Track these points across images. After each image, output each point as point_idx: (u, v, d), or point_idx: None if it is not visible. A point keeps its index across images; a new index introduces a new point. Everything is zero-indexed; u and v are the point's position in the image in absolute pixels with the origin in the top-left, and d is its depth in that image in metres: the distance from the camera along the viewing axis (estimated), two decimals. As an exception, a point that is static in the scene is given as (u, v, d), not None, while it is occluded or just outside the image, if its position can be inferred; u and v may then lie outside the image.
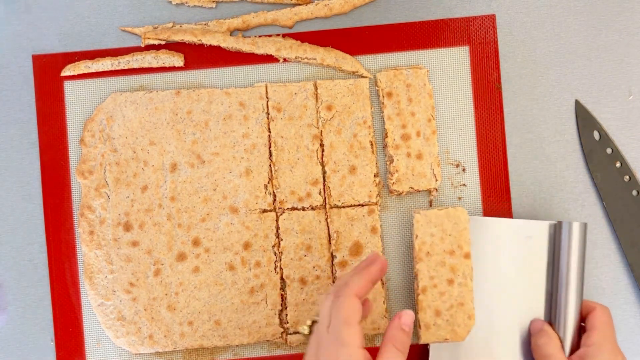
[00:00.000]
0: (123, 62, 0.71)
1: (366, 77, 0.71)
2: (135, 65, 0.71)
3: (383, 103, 0.70)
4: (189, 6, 0.72)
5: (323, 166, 0.70)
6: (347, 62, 0.71)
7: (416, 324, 0.62)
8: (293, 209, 0.70)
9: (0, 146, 0.72)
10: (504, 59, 0.72)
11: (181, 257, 0.70)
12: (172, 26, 0.72)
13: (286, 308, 0.70)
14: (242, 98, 0.71)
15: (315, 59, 0.71)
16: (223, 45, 0.71)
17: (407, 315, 0.56)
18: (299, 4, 0.72)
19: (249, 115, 0.70)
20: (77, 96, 0.72)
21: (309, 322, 0.58)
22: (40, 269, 0.71)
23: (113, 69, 0.71)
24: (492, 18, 0.72)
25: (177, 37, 0.71)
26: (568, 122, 0.72)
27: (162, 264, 0.70)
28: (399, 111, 0.70)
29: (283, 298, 0.70)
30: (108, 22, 0.72)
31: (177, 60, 0.71)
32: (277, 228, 0.70)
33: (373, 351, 0.70)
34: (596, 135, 0.72)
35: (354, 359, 0.52)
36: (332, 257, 0.70)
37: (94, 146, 0.70)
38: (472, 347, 0.66)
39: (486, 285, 0.67)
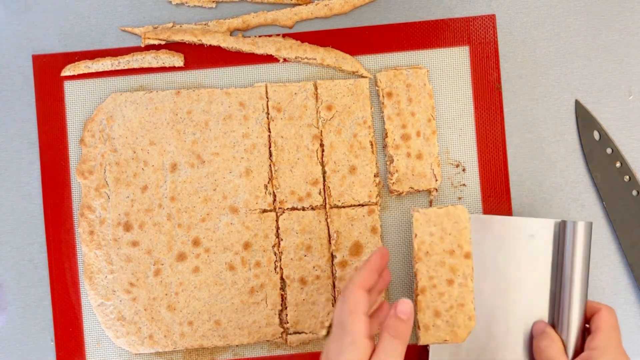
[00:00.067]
0: (123, 62, 0.71)
1: (366, 77, 0.71)
2: (135, 65, 0.71)
3: (383, 103, 0.70)
4: (189, 6, 0.72)
5: (323, 166, 0.70)
6: (347, 62, 0.71)
7: (415, 325, 0.62)
8: (293, 209, 0.70)
9: (0, 146, 0.72)
10: (504, 59, 0.72)
11: (181, 257, 0.70)
12: (172, 26, 0.72)
13: (286, 308, 0.70)
14: (242, 98, 0.71)
15: (315, 59, 0.71)
16: (223, 45, 0.71)
17: (403, 304, 0.55)
18: (299, 4, 0.72)
19: (249, 115, 0.70)
20: (77, 96, 0.72)
21: (327, 324, 0.61)
22: (40, 269, 0.71)
23: (113, 69, 0.71)
24: (492, 18, 0.72)
25: (177, 37, 0.71)
26: (568, 122, 0.72)
27: (162, 264, 0.70)
28: (399, 111, 0.70)
29: (283, 298, 0.70)
30: (108, 22, 0.72)
31: (177, 60, 0.71)
32: (277, 228, 0.70)
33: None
34: (596, 135, 0.72)
35: (357, 346, 0.52)
36: (332, 257, 0.70)
37: (94, 146, 0.70)
38: (473, 349, 0.66)
39: (487, 285, 0.66)
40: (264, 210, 0.70)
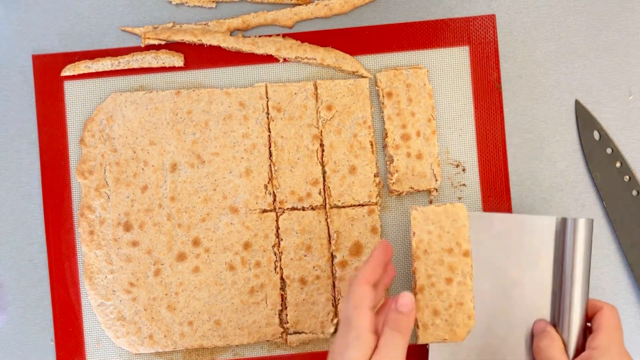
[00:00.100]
0: (123, 62, 0.71)
1: (366, 77, 0.71)
2: (135, 65, 0.71)
3: (383, 103, 0.70)
4: (189, 6, 0.72)
5: (323, 166, 0.70)
6: (347, 62, 0.71)
7: (414, 324, 0.62)
8: (293, 209, 0.70)
9: (0, 146, 0.72)
10: (504, 59, 0.72)
11: (181, 257, 0.70)
12: (172, 26, 0.72)
13: (286, 308, 0.70)
14: (242, 98, 0.71)
15: (315, 59, 0.71)
16: (223, 45, 0.71)
17: (404, 297, 0.55)
18: (299, 4, 0.72)
19: (249, 115, 0.70)
20: (77, 96, 0.72)
21: (335, 321, 0.61)
22: (40, 269, 0.71)
23: (113, 69, 0.71)
24: (492, 18, 0.72)
25: (177, 37, 0.71)
26: (568, 122, 0.72)
27: (162, 264, 0.70)
28: (399, 111, 0.70)
29: (283, 298, 0.70)
30: (108, 22, 0.72)
31: (177, 60, 0.71)
32: (277, 228, 0.70)
33: (373, 351, 0.70)
34: (596, 135, 0.72)
35: (362, 341, 0.52)
36: (332, 257, 0.70)
37: (94, 146, 0.70)
38: (473, 349, 0.66)
39: (488, 284, 0.66)
40: (264, 210, 0.70)
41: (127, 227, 0.70)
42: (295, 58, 0.71)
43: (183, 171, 0.70)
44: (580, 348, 0.63)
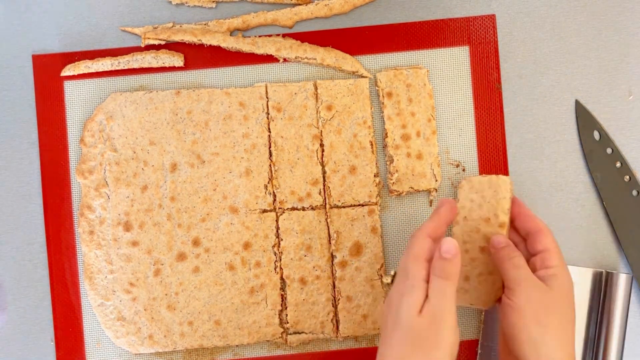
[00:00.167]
0: (123, 62, 0.71)
1: (366, 77, 0.71)
2: (135, 65, 0.71)
3: (383, 103, 0.70)
4: (189, 6, 0.72)
5: (323, 166, 0.70)
6: (347, 62, 0.71)
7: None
8: (293, 209, 0.70)
9: (0, 146, 0.72)
10: (504, 59, 0.72)
11: (181, 257, 0.70)
12: (172, 26, 0.72)
13: (286, 308, 0.70)
14: (242, 98, 0.71)
15: (315, 59, 0.71)
16: (223, 45, 0.71)
17: (447, 242, 0.55)
18: (299, 4, 0.72)
19: (249, 115, 0.70)
20: (77, 96, 0.72)
21: (392, 272, 0.61)
22: (40, 269, 0.71)
23: (113, 69, 0.71)
24: (492, 18, 0.72)
25: (177, 37, 0.71)
26: (568, 122, 0.72)
27: (162, 264, 0.70)
28: (399, 111, 0.70)
29: (283, 298, 0.70)
30: (108, 22, 0.72)
31: (177, 60, 0.71)
32: (277, 228, 0.70)
33: (372, 351, 0.71)
34: (596, 135, 0.72)
35: (416, 289, 0.54)
36: (332, 257, 0.70)
37: (93, 146, 0.70)
38: None
39: None
40: (264, 210, 0.70)
41: (127, 227, 0.70)
42: (295, 58, 0.71)
43: (183, 171, 0.70)
44: None
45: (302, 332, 0.70)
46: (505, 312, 0.57)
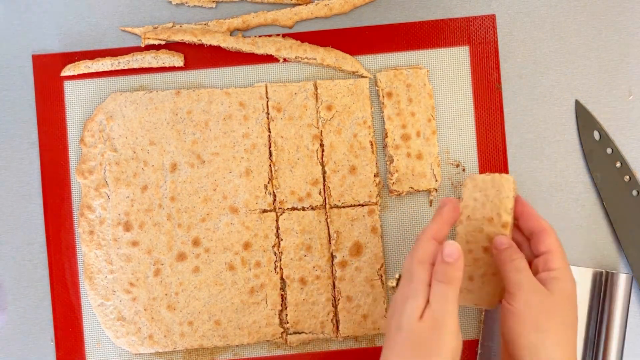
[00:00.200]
0: (123, 62, 0.71)
1: (366, 77, 0.71)
2: (135, 65, 0.71)
3: (383, 103, 0.70)
4: (189, 6, 0.72)
5: (323, 166, 0.70)
6: (347, 62, 0.71)
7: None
8: (293, 209, 0.70)
9: (0, 146, 0.72)
10: (504, 59, 0.72)
11: (181, 257, 0.70)
12: (172, 26, 0.72)
13: (286, 308, 0.70)
14: (242, 98, 0.71)
15: (315, 59, 0.71)
16: (223, 45, 0.71)
17: (449, 245, 0.54)
18: (299, 4, 0.72)
19: (249, 115, 0.70)
20: (77, 96, 0.72)
21: (397, 276, 0.60)
22: (40, 269, 0.71)
23: (113, 69, 0.71)
24: (492, 18, 0.72)
25: (177, 37, 0.71)
26: (568, 122, 0.72)
27: (162, 264, 0.70)
28: (399, 111, 0.70)
29: (283, 298, 0.70)
30: (108, 22, 0.72)
31: (177, 60, 0.71)
32: (277, 228, 0.70)
33: (372, 351, 0.71)
34: (596, 135, 0.72)
35: (420, 294, 0.54)
36: (332, 257, 0.70)
37: (93, 146, 0.70)
38: None
39: None
40: (264, 210, 0.70)
41: (127, 227, 0.70)
42: (295, 58, 0.71)
43: (183, 171, 0.70)
44: None
45: (302, 332, 0.70)
46: (505, 317, 0.56)
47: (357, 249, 0.69)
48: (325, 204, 0.70)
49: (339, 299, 0.69)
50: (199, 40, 0.71)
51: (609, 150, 0.71)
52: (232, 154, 0.70)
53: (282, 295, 0.70)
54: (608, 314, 0.67)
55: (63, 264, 0.71)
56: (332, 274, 0.70)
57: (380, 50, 0.71)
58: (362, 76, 0.71)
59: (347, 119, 0.70)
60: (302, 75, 0.72)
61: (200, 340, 0.70)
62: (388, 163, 0.70)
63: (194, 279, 0.70)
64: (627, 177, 0.71)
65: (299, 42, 0.71)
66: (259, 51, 0.71)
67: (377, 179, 0.70)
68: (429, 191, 0.71)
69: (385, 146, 0.71)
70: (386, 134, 0.70)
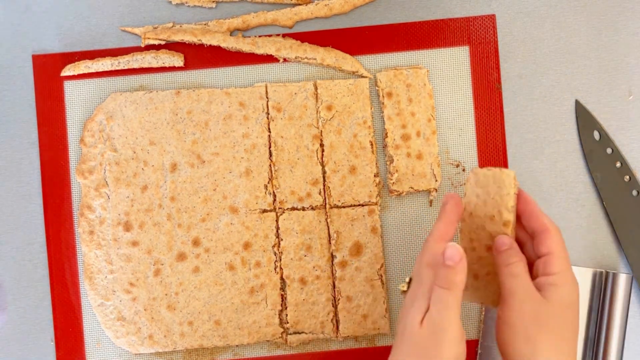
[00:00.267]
0: (123, 62, 0.71)
1: (366, 77, 0.71)
2: (135, 65, 0.71)
3: (383, 103, 0.70)
4: (189, 6, 0.72)
5: (323, 166, 0.70)
6: (347, 62, 0.71)
7: None
8: (293, 209, 0.70)
9: (0, 146, 0.72)
10: (504, 59, 0.72)
11: (181, 257, 0.70)
12: (172, 26, 0.72)
13: (286, 308, 0.70)
14: (242, 98, 0.71)
15: (315, 59, 0.71)
16: (223, 45, 0.71)
17: (450, 248, 0.52)
18: (299, 4, 0.72)
19: (249, 115, 0.70)
20: (77, 96, 0.72)
21: (407, 279, 0.58)
22: (40, 269, 0.71)
23: (113, 69, 0.71)
24: (492, 18, 0.72)
25: (177, 37, 0.71)
26: (568, 122, 0.72)
27: (162, 264, 0.70)
28: (399, 111, 0.70)
29: (283, 298, 0.70)
30: (108, 22, 0.72)
31: (177, 60, 0.71)
32: (277, 228, 0.70)
33: (372, 351, 0.71)
34: (596, 135, 0.72)
35: (421, 299, 0.52)
36: (332, 257, 0.70)
37: (93, 146, 0.70)
38: None
39: None
40: (264, 210, 0.70)
41: (127, 227, 0.70)
42: (295, 58, 0.71)
43: (183, 171, 0.70)
44: None
45: (302, 332, 0.70)
46: (497, 324, 0.54)
47: (357, 249, 0.69)
48: (325, 204, 0.70)
49: (339, 299, 0.69)
50: (199, 40, 0.71)
51: (609, 150, 0.71)
52: (232, 154, 0.70)
53: (282, 295, 0.70)
54: (608, 314, 0.67)
55: (63, 264, 0.71)
56: (332, 274, 0.70)
57: (380, 50, 0.71)
58: (362, 76, 0.71)
59: (347, 119, 0.70)
60: (302, 75, 0.72)
61: (200, 340, 0.70)
62: (388, 163, 0.70)
63: (194, 279, 0.70)
64: (627, 177, 0.71)
65: (299, 42, 0.71)
66: (259, 51, 0.71)
67: (377, 179, 0.70)
68: (429, 191, 0.71)
69: (385, 146, 0.71)
70: (386, 134, 0.70)
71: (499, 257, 0.55)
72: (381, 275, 0.69)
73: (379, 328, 0.69)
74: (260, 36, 0.71)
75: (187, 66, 0.72)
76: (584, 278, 0.69)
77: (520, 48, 0.72)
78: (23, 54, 0.72)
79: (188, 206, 0.70)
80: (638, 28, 0.73)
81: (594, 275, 0.69)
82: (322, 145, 0.70)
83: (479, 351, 0.69)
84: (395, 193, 0.70)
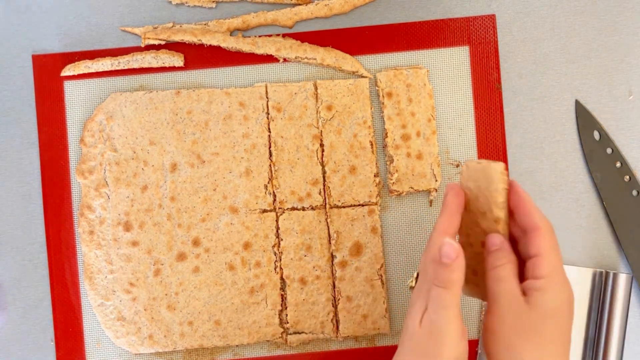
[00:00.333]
0: (123, 62, 0.71)
1: (366, 77, 0.71)
2: (135, 65, 0.71)
3: (383, 103, 0.70)
4: (189, 6, 0.72)
5: (323, 166, 0.70)
6: (347, 62, 0.71)
7: None
8: (293, 209, 0.70)
9: (0, 146, 0.72)
10: (504, 59, 0.72)
11: (181, 257, 0.70)
12: (172, 26, 0.72)
13: (286, 308, 0.70)
14: (242, 98, 0.71)
15: (315, 59, 0.71)
16: (223, 45, 0.71)
17: (445, 245, 0.50)
18: (299, 4, 0.72)
19: (249, 115, 0.70)
20: (77, 96, 0.72)
21: (415, 274, 0.56)
22: (40, 269, 0.71)
23: (113, 69, 0.71)
24: (492, 18, 0.72)
25: (177, 37, 0.71)
26: (568, 122, 0.72)
27: (162, 264, 0.70)
28: (399, 111, 0.70)
29: (283, 298, 0.70)
30: (108, 22, 0.72)
31: (177, 60, 0.71)
32: (277, 228, 0.70)
33: (372, 351, 0.71)
34: (596, 135, 0.72)
35: (423, 298, 0.51)
36: (332, 257, 0.70)
37: (93, 146, 0.70)
38: None
39: None
40: (264, 210, 0.70)
41: (127, 227, 0.70)
42: (295, 58, 0.71)
43: (183, 171, 0.70)
44: None
45: (302, 332, 0.70)
46: (482, 331, 0.52)
47: (357, 249, 0.69)
48: (325, 204, 0.70)
49: (339, 299, 0.69)
50: (199, 40, 0.71)
51: (609, 150, 0.71)
52: (232, 154, 0.70)
53: (282, 295, 0.70)
54: (608, 314, 0.67)
55: (63, 264, 0.71)
56: (332, 274, 0.70)
57: (380, 50, 0.71)
58: (362, 76, 0.71)
59: (347, 119, 0.70)
60: (302, 75, 0.72)
61: (200, 340, 0.70)
62: (388, 163, 0.70)
63: (194, 279, 0.70)
64: (627, 177, 0.71)
65: (299, 42, 0.71)
66: (259, 51, 0.71)
67: (377, 179, 0.70)
68: (429, 191, 0.71)
69: (385, 146, 0.71)
70: (386, 134, 0.70)
71: (488, 258, 0.53)
72: (381, 275, 0.69)
73: (379, 328, 0.69)
74: (260, 36, 0.71)
75: (187, 66, 0.72)
76: (584, 278, 0.69)
77: (520, 48, 0.72)
78: (23, 54, 0.72)
79: (188, 206, 0.70)
80: (638, 28, 0.73)
81: (594, 275, 0.69)
82: (322, 145, 0.70)
83: (479, 351, 0.69)
84: (395, 193, 0.70)
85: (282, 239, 0.70)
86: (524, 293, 0.51)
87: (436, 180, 0.70)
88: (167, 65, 0.71)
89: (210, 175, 0.70)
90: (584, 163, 0.72)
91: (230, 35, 0.72)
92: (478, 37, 0.72)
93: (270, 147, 0.70)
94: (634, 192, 0.71)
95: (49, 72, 0.72)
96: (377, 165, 0.70)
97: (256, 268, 0.70)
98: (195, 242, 0.70)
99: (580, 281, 0.69)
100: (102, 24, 0.72)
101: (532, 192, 0.71)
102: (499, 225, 0.53)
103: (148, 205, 0.70)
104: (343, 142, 0.70)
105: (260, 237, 0.70)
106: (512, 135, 0.72)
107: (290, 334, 0.70)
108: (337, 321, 0.70)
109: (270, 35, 0.72)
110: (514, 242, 0.54)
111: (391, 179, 0.70)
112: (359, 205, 0.70)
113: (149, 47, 0.72)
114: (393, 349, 0.54)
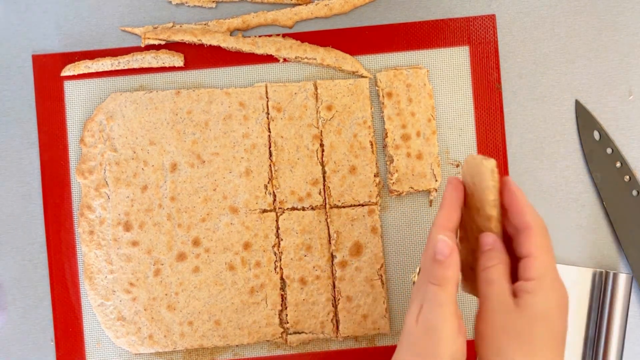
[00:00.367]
0: (123, 62, 0.71)
1: (366, 77, 0.71)
2: (135, 65, 0.71)
3: (383, 103, 0.70)
4: (189, 6, 0.72)
5: (323, 166, 0.70)
6: (347, 62, 0.71)
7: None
8: (293, 209, 0.70)
9: (0, 146, 0.72)
10: (504, 59, 0.72)
11: (181, 257, 0.70)
12: (172, 26, 0.72)
13: (286, 308, 0.70)
14: (242, 98, 0.71)
15: (315, 59, 0.71)
16: (223, 45, 0.71)
17: (439, 242, 0.49)
18: (299, 4, 0.72)
19: (249, 115, 0.70)
20: (77, 96, 0.72)
21: (417, 269, 0.55)
22: (40, 269, 0.71)
23: (113, 69, 0.71)
24: (492, 18, 0.72)
25: (177, 37, 0.71)
26: (568, 122, 0.72)
27: (162, 264, 0.70)
28: (399, 111, 0.70)
29: (283, 298, 0.70)
30: (108, 22, 0.72)
31: (177, 60, 0.71)
32: (277, 228, 0.70)
33: (372, 351, 0.71)
34: (596, 135, 0.72)
35: (419, 295, 0.51)
36: (332, 257, 0.70)
37: (93, 146, 0.70)
38: None
39: None
40: (264, 210, 0.70)
41: (127, 227, 0.70)
42: (295, 58, 0.71)
43: (183, 171, 0.70)
44: None
45: (302, 332, 0.70)
46: (474, 335, 0.51)
47: (357, 249, 0.69)
48: (325, 204, 0.70)
49: (339, 299, 0.69)
50: (199, 40, 0.71)
51: (609, 150, 0.71)
52: (232, 154, 0.70)
53: (282, 295, 0.70)
54: (608, 314, 0.67)
55: (63, 264, 0.71)
56: (332, 274, 0.70)
57: (380, 50, 0.71)
58: (362, 76, 0.71)
59: (347, 119, 0.70)
60: (302, 75, 0.72)
61: (200, 340, 0.70)
62: (388, 163, 0.70)
63: (194, 279, 0.70)
64: (627, 177, 0.71)
65: (299, 42, 0.71)
66: (259, 51, 0.71)
67: (377, 179, 0.70)
68: (429, 191, 0.71)
69: (385, 146, 0.71)
70: (386, 134, 0.70)
71: (480, 258, 0.51)
72: (381, 275, 0.69)
73: (379, 328, 0.69)
74: (260, 36, 0.71)
75: (187, 66, 0.72)
76: (584, 278, 0.69)
77: (520, 48, 0.72)
78: (23, 54, 0.72)
79: (188, 206, 0.70)
80: (638, 28, 0.73)
81: (594, 275, 0.69)
82: (322, 145, 0.70)
83: None
84: (395, 193, 0.70)
85: (282, 239, 0.70)
86: (515, 295, 0.49)
87: (436, 180, 0.70)
88: (167, 65, 0.71)
89: (210, 175, 0.70)
90: (584, 163, 0.72)
91: (230, 35, 0.72)
92: (478, 37, 0.72)
93: (270, 147, 0.70)
94: (634, 192, 0.71)
95: (49, 72, 0.72)
96: (377, 165, 0.70)
97: (256, 268, 0.70)
98: (195, 242, 0.70)
99: (580, 281, 0.69)
100: (102, 24, 0.72)
101: (532, 192, 0.72)
102: (492, 224, 0.52)
103: (148, 205, 0.70)
104: (343, 142, 0.70)
105: (260, 237, 0.70)
106: (512, 135, 0.72)
107: (290, 334, 0.70)
108: (337, 321, 0.70)
109: (270, 35, 0.72)
110: (510, 240, 0.52)
111: (391, 179, 0.70)
112: (359, 205, 0.70)
113: (149, 47, 0.72)
114: (393, 349, 0.54)
